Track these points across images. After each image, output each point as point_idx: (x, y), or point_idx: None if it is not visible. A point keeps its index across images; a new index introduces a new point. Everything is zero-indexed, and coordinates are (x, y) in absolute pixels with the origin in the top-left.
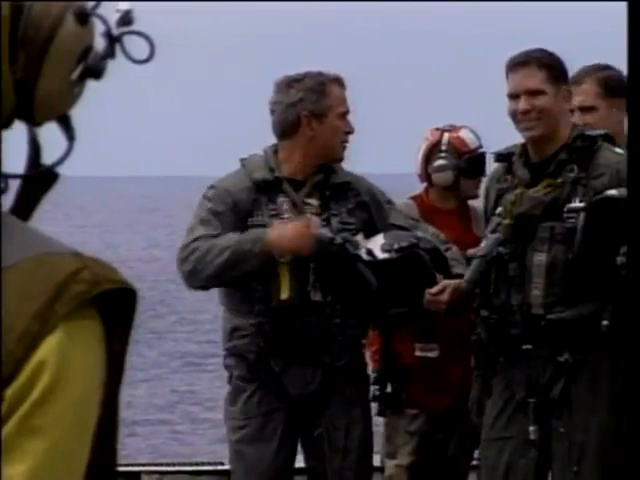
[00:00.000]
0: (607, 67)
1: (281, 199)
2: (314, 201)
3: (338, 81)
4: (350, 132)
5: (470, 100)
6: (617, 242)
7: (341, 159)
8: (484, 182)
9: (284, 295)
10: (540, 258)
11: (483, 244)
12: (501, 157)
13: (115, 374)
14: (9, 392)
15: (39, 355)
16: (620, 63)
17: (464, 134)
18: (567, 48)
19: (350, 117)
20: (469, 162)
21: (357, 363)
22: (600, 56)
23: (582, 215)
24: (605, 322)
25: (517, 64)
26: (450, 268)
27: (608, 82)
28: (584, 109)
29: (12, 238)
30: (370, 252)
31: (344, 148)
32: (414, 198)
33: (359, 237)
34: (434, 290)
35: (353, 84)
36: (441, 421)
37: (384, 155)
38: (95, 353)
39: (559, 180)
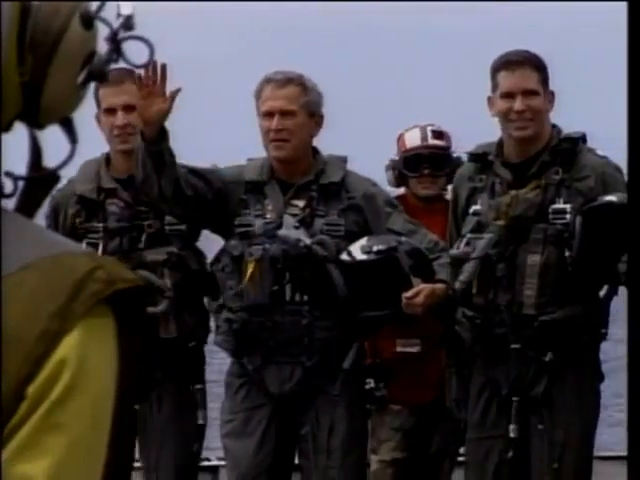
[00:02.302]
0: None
1: (267, 200)
2: (300, 202)
3: (272, 81)
4: (273, 130)
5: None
6: (617, 248)
7: (277, 159)
8: (454, 181)
9: (244, 281)
10: (534, 259)
11: (468, 243)
12: (475, 157)
13: (128, 370)
14: (31, 389)
15: (59, 353)
16: (620, 63)
17: (409, 133)
18: (567, 48)
19: (292, 117)
20: (402, 162)
21: (336, 363)
22: (600, 56)
23: (579, 219)
24: (604, 330)
25: (513, 63)
26: (433, 273)
27: None
28: None
29: (26, 238)
30: (349, 253)
31: (277, 147)
32: (399, 198)
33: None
34: (409, 293)
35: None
36: (423, 416)
37: None
38: (111, 350)
39: (543, 181)
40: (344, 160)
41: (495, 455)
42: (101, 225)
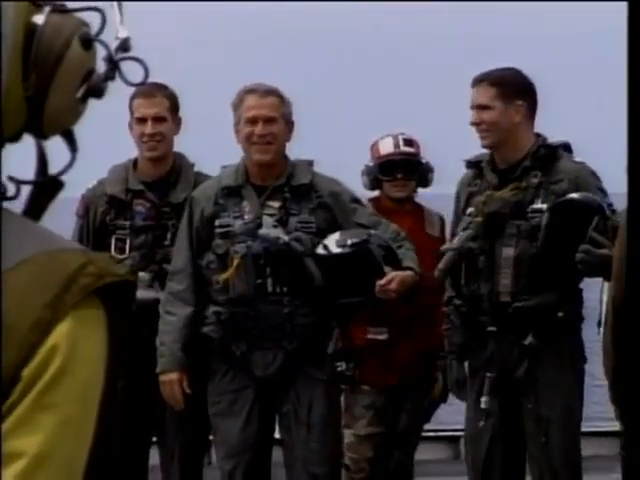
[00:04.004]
0: None
1: (244, 202)
2: (275, 203)
3: (255, 92)
4: (258, 135)
5: None
6: (577, 239)
7: (259, 162)
8: (456, 186)
9: (223, 276)
10: (508, 252)
11: (456, 239)
12: (470, 164)
13: (116, 357)
14: (25, 372)
15: (51, 340)
16: (620, 63)
17: (383, 141)
18: (566, 49)
19: (276, 125)
20: (377, 167)
21: (314, 346)
22: (600, 56)
23: (546, 214)
24: (560, 313)
25: (475, 81)
26: (400, 261)
27: None
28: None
29: (24, 236)
30: (326, 247)
31: (261, 151)
32: (372, 200)
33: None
34: (383, 281)
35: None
36: (390, 396)
37: None
38: (100, 338)
39: (524, 184)
40: (310, 163)
41: (488, 431)
42: (128, 223)
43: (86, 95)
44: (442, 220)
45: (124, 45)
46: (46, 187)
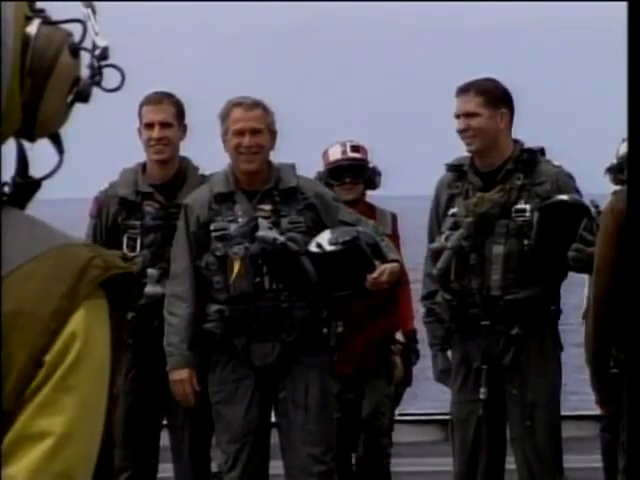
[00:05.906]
0: None
1: (237, 207)
2: (266, 206)
3: (242, 105)
4: (246, 146)
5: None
6: (567, 237)
7: (246, 171)
8: (434, 188)
9: (232, 277)
10: (498, 249)
11: (452, 238)
12: (452, 167)
13: (116, 343)
14: (48, 357)
15: (69, 328)
16: (620, 63)
17: (332, 149)
18: (566, 49)
19: (262, 136)
20: (327, 173)
21: (310, 337)
22: (600, 56)
23: (537, 214)
24: (553, 307)
25: (460, 91)
26: (385, 255)
27: None
28: None
29: (35, 233)
30: (319, 245)
31: (248, 160)
32: None
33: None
34: (375, 274)
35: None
36: (347, 384)
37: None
38: (107, 326)
39: (507, 186)
40: (293, 166)
41: (475, 415)
42: (139, 222)
43: (74, 100)
44: (394, 217)
45: (103, 53)
46: (28, 188)
